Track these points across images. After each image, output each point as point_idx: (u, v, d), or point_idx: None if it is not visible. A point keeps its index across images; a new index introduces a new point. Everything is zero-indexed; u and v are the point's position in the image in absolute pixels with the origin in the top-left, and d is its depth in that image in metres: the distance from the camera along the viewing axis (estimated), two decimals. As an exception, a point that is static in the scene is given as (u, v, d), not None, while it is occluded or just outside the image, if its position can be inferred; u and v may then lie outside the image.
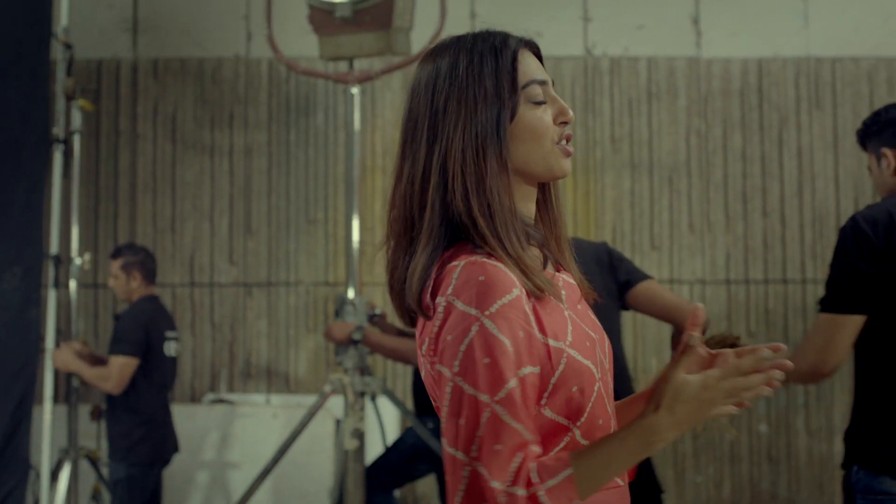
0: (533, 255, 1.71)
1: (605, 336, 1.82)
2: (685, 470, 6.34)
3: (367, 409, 5.24)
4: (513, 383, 1.57)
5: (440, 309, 1.63)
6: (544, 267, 1.74)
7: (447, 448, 1.60)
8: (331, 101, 6.53)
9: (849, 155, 6.42)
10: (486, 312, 1.58)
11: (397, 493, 5.51)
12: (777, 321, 6.38)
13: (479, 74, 1.69)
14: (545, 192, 1.81)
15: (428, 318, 1.66)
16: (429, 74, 1.73)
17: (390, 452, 5.30)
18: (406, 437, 5.28)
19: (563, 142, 1.72)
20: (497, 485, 1.54)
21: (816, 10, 6.58)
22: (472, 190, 1.66)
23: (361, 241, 5.05)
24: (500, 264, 1.62)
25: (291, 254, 6.43)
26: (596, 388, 1.68)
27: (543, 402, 1.64)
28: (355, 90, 5.20)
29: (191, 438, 5.93)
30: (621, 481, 1.73)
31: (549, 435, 1.65)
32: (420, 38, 5.12)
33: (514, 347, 1.58)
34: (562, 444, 1.65)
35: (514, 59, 1.70)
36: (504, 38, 1.74)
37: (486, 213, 1.66)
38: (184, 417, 5.89)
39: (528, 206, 1.75)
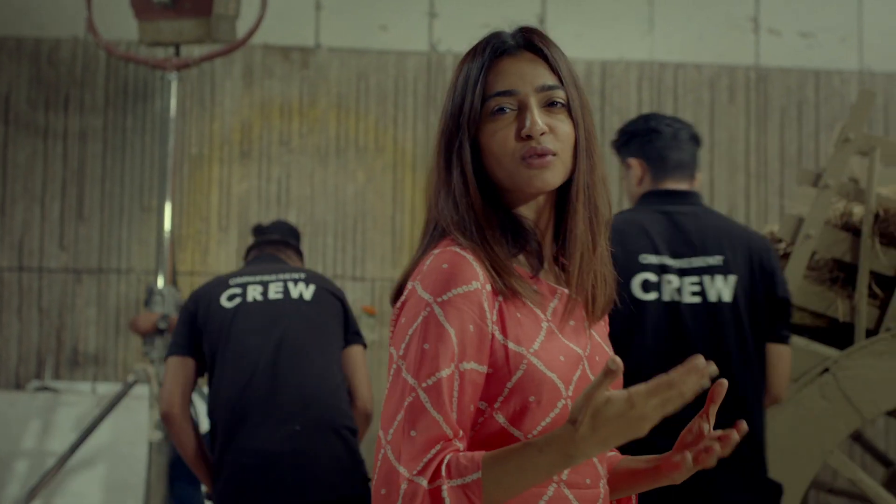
0: (522, 259, 1.69)
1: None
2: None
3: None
4: (445, 373, 1.55)
5: (405, 293, 1.65)
6: (535, 274, 1.69)
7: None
8: (168, 87, 6.43)
9: (687, 160, 6.45)
10: (439, 299, 1.58)
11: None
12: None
13: (454, 91, 1.71)
14: (567, 203, 1.72)
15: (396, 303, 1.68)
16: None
17: (198, 444, 5.25)
18: (217, 429, 5.22)
19: (533, 158, 1.65)
20: (403, 471, 1.52)
21: (662, 16, 6.62)
22: (443, 201, 1.68)
23: (184, 231, 4.98)
24: (469, 256, 1.62)
25: (124, 241, 6.33)
26: (560, 405, 1.62)
27: (497, 405, 1.61)
28: (173, 77, 5.13)
29: (11, 426, 5.81)
30: (589, 480, 1.66)
31: (497, 443, 1.59)
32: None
33: (458, 339, 1.57)
34: None
35: (486, 69, 1.69)
36: (484, 46, 1.73)
37: (456, 222, 1.66)
38: (6, 404, 5.77)
39: (528, 209, 1.71)
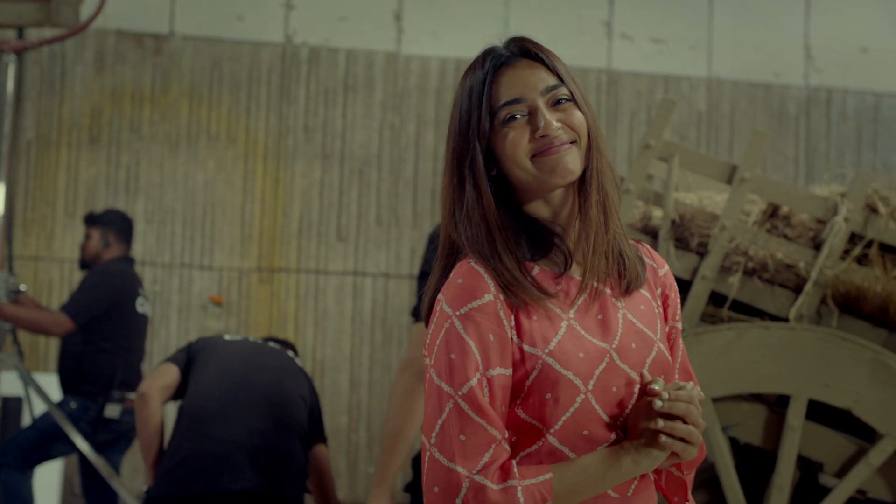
0: (523, 269, 1.74)
1: (655, 346, 1.79)
2: (358, 461, 6.41)
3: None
4: (474, 381, 1.65)
5: (436, 306, 1.75)
6: (562, 272, 1.76)
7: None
8: (4, 69, 6.34)
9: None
10: (458, 313, 1.68)
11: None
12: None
13: (459, 108, 1.77)
14: (582, 191, 1.78)
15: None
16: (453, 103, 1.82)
17: (28, 430, 5.20)
18: (48, 415, 5.19)
19: (547, 152, 1.72)
20: (462, 471, 1.62)
21: (517, 17, 6.73)
22: (458, 217, 1.76)
23: (30, 215, 4.92)
24: (481, 269, 1.71)
25: (-34, 224, 6.24)
26: (579, 400, 1.68)
27: (518, 401, 1.70)
28: (11, 59, 5.07)
29: None
30: (616, 494, 1.72)
31: (521, 434, 1.70)
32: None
33: (479, 349, 1.67)
34: (534, 447, 1.70)
35: (489, 84, 1.74)
36: (482, 62, 1.77)
37: (469, 237, 1.75)
38: None
39: (547, 210, 1.78)
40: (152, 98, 6.37)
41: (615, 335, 1.75)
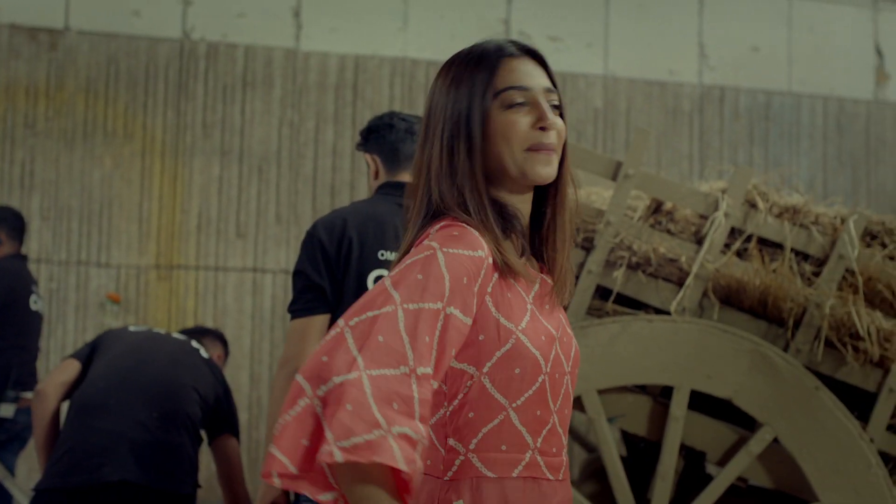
0: (509, 244, 1.78)
1: (574, 343, 1.88)
2: (258, 457, 6.41)
3: None
4: (428, 306, 1.61)
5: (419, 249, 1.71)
6: (522, 256, 1.80)
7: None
8: None
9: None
10: (444, 249, 1.66)
11: None
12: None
13: (459, 82, 1.80)
14: (550, 194, 1.86)
15: None
16: (436, 84, 1.86)
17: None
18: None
19: (540, 149, 1.78)
20: (361, 361, 1.53)
21: (416, 14, 6.77)
22: (448, 186, 1.77)
23: None
24: (476, 232, 1.72)
25: None
26: (540, 380, 1.75)
27: (485, 370, 1.72)
28: None
29: None
30: (555, 449, 1.78)
31: (484, 409, 1.72)
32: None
33: (451, 285, 1.64)
34: (496, 422, 1.72)
35: (495, 66, 1.79)
36: (497, 46, 1.83)
37: (461, 204, 1.76)
38: None
39: (510, 199, 1.82)
40: (47, 93, 6.29)
41: (557, 326, 1.84)
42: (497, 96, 1.79)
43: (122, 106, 6.35)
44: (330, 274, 3.07)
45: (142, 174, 6.35)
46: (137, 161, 6.35)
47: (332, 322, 3.07)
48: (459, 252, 1.68)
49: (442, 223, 1.76)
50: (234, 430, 3.98)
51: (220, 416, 3.94)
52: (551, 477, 1.80)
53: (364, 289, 3.05)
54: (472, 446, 1.73)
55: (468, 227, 1.74)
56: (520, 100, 1.80)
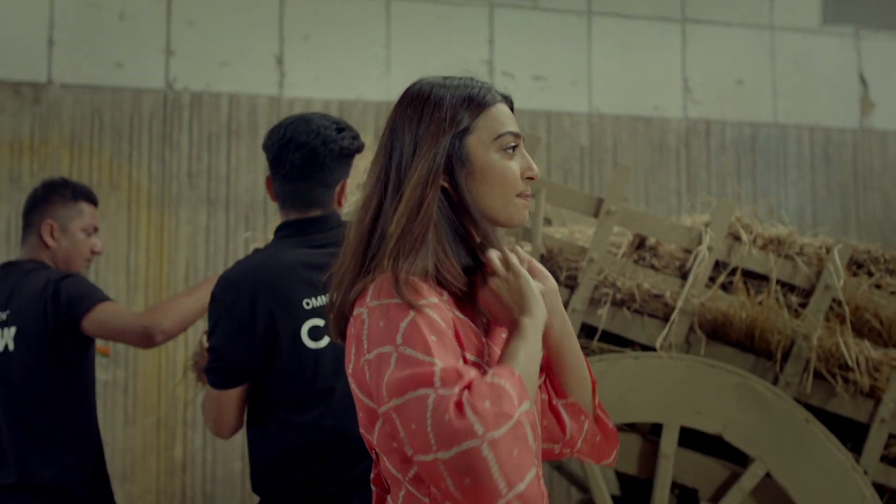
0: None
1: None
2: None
3: None
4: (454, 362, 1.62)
5: (361, 316, 1.72)
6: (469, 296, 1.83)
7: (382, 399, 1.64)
8: None
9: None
10: (419, 303, 1.67)
11: None
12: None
13: (438, 127, 1.78)
14: None
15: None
16: (405, 111, 1.82)
17: None
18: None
19: (526, 196, 1.83)
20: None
21: (398, 59, 6.78)
22: (410, 217, 1.74)
23: None
24: (421, 281, 1.73)
25: None
26: None
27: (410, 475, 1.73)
28: None
29: None
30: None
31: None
32: None
33: (448, 338, 1.68)
34: None
35: (488, 107, 1.82)
36: (475, 93, 1.82)
37: (418, 250, 1.74)
38: None
39: (477, 234, 1.84)
40: (32, 147, 6.28)
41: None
42: (497, 139, 1.81)
43: (107, 157, 6.34)
44: (246, 345, 2.72)
45: (128, 225, 6.33)
46: (124, 212, 6.33)
47: (257, 385, 2.77)
48: (428, 302, 1.71)
49: (378, 279, 1.75)
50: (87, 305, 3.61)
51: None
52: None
53: (300, 344, 2.72)
54: None
55: (415, 279, 1.73)
56: (513, 144, 1.82)
